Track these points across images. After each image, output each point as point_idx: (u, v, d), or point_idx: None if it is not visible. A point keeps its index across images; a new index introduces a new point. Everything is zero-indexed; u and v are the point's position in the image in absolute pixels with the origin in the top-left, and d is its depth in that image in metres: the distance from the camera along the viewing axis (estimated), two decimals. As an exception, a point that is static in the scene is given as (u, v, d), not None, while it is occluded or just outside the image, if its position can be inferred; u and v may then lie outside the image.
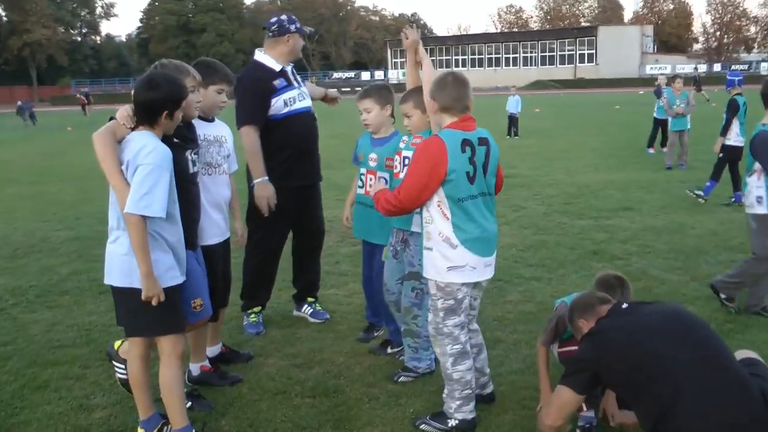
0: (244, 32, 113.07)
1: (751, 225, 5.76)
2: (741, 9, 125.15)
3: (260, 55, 5.67)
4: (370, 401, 4.41)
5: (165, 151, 3.62)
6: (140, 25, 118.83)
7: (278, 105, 5.46)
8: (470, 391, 4.02)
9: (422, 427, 4.03)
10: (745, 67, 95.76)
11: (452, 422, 3.98)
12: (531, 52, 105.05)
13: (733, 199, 10.51)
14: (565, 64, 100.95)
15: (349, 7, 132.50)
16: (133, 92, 3.72)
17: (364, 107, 4.94)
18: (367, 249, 5.22)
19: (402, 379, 4.64)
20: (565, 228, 9.17)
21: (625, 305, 3.59)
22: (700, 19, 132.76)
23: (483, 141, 3.91)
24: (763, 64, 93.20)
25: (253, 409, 4.34)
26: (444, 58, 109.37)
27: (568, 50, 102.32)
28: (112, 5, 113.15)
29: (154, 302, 3.52)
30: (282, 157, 5.47)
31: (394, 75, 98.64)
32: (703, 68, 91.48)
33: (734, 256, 7.44)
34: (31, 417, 4.34)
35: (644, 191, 11.93)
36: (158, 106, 3.66)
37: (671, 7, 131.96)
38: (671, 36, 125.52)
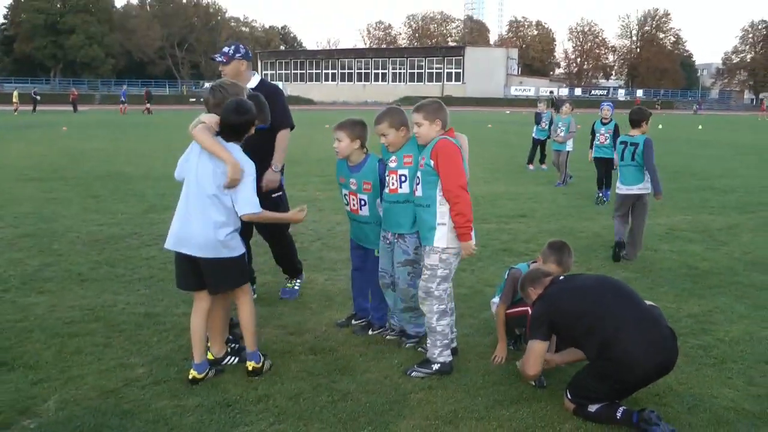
0: (113, 36, 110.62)
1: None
2: (600, 38, 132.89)
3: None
4: (361, 356, 5.60)
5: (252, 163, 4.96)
6: (4, 21, 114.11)
7: None
8: (448, 341, 5.30)
9: (413, 374, 5.22)
10: (604, 92, 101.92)
11: (435, 366, 5.23)
12: (400, 69, 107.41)
13: (601, 196, 13.61)
14: (433, 81, 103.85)
15: (219, 18, 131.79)
16: (222, 114, 4.89)
17: (336, 136, 5.83)
18: (360, 251, 6.19)
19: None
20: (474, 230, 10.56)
21: (561, 277, 5.02)
22: (562, 45, 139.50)
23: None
24: (620, 90, 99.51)
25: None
26: (314, 71, 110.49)
27: (437, 68, 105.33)
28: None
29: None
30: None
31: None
32: (564, 92, 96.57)
33: (618, 254, 9.05)
34: (83, 372, 5.25)
35: (533, 201, 13.61)
36: (247, 128, 4.94)
37: (535, 32, 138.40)
38: (535, 60, 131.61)
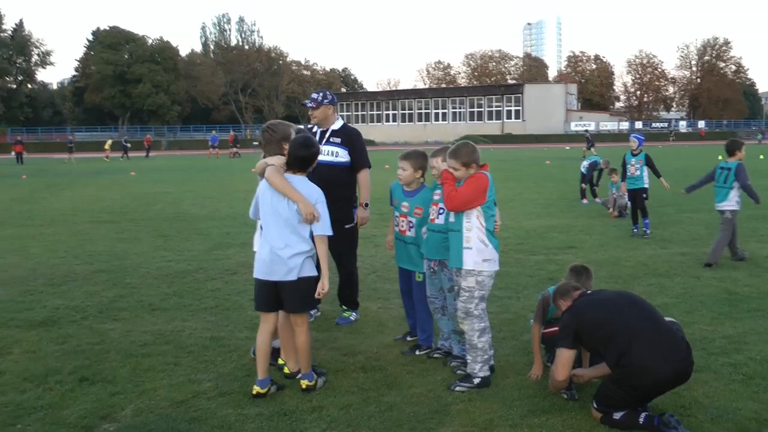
0: (179, 84, 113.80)
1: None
2: (660, 70, 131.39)
3: None
4: (408, 373, 6.08)
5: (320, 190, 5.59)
6: (75, 73, 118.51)
7: None
8: (488, 357, 5.75)
9: (456, 389, 5.66)
10: (665, 124, 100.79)
11: (476, 380, 5.68)
12: (460, 108, 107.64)
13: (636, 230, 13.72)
14: (492, 119, 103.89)
15: (281, 62, 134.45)
16: (289, 149, 5.56)
17: (401, 165, 6.56)
18: (404, 273, 6.84)
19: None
20: (522, 262, 10.98)
21: (589, 291, 5.52)
22: (621, 78, 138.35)
23: None
24: (681, 122, 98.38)
25: (324, 379, 5.94)
26: (375, 112, 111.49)
27: (496, 106, 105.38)
28: (48, 53, 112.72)
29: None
30: None
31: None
32: (625, 125, 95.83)
33: (661, 281, 9.45)
34: (155, 386, 5.84)
35: (583, 233, 13.94)
36: (312, 160, 5.62)
37: (594, 66, 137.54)
38: (594, 94, 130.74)
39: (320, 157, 7.08)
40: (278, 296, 5.62)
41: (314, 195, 5.57)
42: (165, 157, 63.74)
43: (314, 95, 7.60)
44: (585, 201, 19.83)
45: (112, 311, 8.37)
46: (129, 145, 65.58)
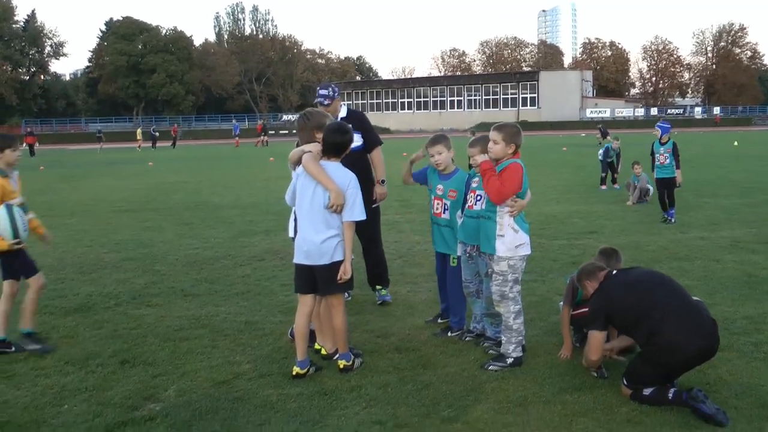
0: (193, 74, 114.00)
1: None
2: (675, 56, 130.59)
3: None
4: (442, 354, 6.23)
5: (354, 176, 5.73)
6: (89, 64, 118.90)
7: None
8: (522, 338, 5.91)
9: (490, 368, 5.81)
10: (681, 111, 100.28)
11: (509, 360, 5.83)
12: (475, 96, 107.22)
13: (668, 217, 13.62)
14: (508, 107, 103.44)
15: (295, 51, 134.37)
16: (324, 136, 5.73)
17: (436, 150, 6.64)
18: (440, 256, 6.97)
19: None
20: (545, 246, 11.10)
21: (614, 271, 5.60)
22: (636, 65, 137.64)
23: None
24: (697, 109, 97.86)
25: (360, 359, 6.10)
26: (390, 100, 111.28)
27: (511, 94, 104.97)
28: (61, 44, 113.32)
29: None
30: None
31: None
32: (640, 112, 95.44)
33: (682, 264, 9.59)
34: (196, 368, 6.01)
35: (604, 219, 14.04)
36: (347, 145, 5.74)
37: (609, 53, 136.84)
38: (609, 81, 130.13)
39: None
40: (314, 279, 5.78)
41: (346, 180, 5.70)
42: (181, 147, 63.97)
43: (324, 91, 7.74)
44: (603, 187, 19.89)
45: (145, 297, 8.54)
46: (158, 134, 66.40)
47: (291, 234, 6.39)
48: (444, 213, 6.67)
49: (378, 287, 8.15)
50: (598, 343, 5.31)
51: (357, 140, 7.64)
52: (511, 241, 5.80)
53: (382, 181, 7.94)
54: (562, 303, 6.38)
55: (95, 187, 24.96)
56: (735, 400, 5.08)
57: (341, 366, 5.82)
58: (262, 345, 6.59)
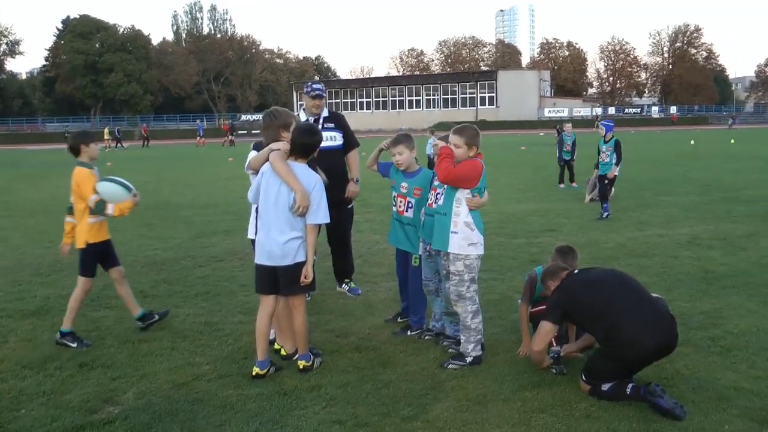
0: (151, 73, 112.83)
1: None
2: (632, 56, 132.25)
3: (301, 111, 8.09)
4: (401, 352, 6.26)
5: (320, 178, 5.70)
6: (45, 63, 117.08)
7: None
8: (480, 336, 5.95)
9: (449, 366, 5.85)
10: (638, 110, 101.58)
11: (469, 359, 5.87)
12: (434, 95, 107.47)
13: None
14: (467, 106, 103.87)
15: (254, 50, 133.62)
16: (293, 136, 5.71)
17: (398, 151, 6.65)
18: (401, 254, 6.99)
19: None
20: (504, 245, 11.20)
21: (576, 270, 5.71)
22: (594, 65, 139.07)
23: None
24: (654, 108, 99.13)
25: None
26: (348, 100, 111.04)
27: (470, 93, 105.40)
28: (17, 42, 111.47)
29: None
30: None
31: (301, 117, 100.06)
32: (598, 111, 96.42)
33: (640, 261, 9.74)
34: (155, 369, 5.97)
35: (562, 217, 14.21)
36: (315, 147, 5.75)
37: (567, 53, 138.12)
38: (567, 81, 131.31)
39: (324, 143, 7.49)
40: (276, 280, 5.76)
41: (312, 182, 5.67)
42: (139, 148, 63.33)
43: (319, 86, 7.98)
44: (561, 185, 20.17)
45: (103, 299, 8.45)
46: (120, 134, 66.34)
47: (251, 235, 6.38)
48: (407, 211, 6.67)
49: (346, 281, 8.32)
50: (545, 333, 5.40)
51: (338, 139, 7.90)
52: (464, 238, 5.84)
53: (356, 180, 8.08)
54: (520, 300, 6.46)
55: (55, 186, 24.53)
56: (692, 394, 5.18)
57: (301, 366, 5.82)
58: (222, 346, 6.57)
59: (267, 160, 5.76)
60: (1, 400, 5.44)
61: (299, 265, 5.68)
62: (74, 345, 6.67)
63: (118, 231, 13.66)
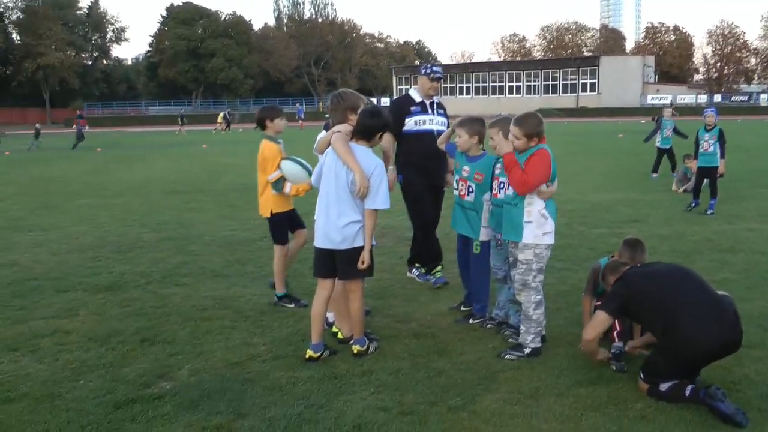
0: (251, 58, 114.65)
1: None
2: (741, 41, 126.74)
3: (411, 90, 8.00)
4: (460, 341, 6.12)
5: (382, 163, 5.64)
6: (149, 49, 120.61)
7: (410, 123, 7.73)
8: (541, 329, 5.77)
9: (506, 357, 5.70)
10: (745, 98, 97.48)
11: (527, 350, 5.70)
12: (534, 81, 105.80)
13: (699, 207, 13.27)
14: (567, 92, 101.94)
15: (354, 35, 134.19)
16: (358, 118, 5.66)
17: (457, 132, 6.54)
18: (461, 240, 6.85)
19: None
20: (584, 234, 10.87)
21: (639, 265, 5.46)
22: (701, 50, 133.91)
23: None
24: (762, 96, 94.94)
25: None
26: (448, 85, 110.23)
27: (571, 79, 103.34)
28: (123, 30, 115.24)
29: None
30: (413, 160, 7.58)
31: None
32: (703, 98, 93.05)
33: (724, 256, 9.24)
34: (212, 348, 6.03)
35: (650, 208, 13.68)
36: (378, 130, 5.64)
37: (672, 38, 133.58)
38: (672, 67, 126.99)
39: (435, 127, 7.75)
40: (334, 263, 5.72)
41: (372, 166, 5.58)
42: (238, 131, 64.65)
43: (439, 69, 7.96)
44: (655, 175, 19.36)
45: (175, 277, 8.62)
46: (231, 118, 68.00)
47: (317, 216, 6.36)
48: (468, 195, 6.51)
49: (435, 270, 8.14)
50: (599, 322, 5.19)
51: (445, 125, 7.89)
52: (538, 227, 5.64)
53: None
54: (584, 292, 6.23)
55: (149, 168, 25.33)
56: (759, 401, 4.85)
57: (355, 351, 5.77)
58: (282, 327, 6.58)
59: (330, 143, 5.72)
60: (64, 370, 5.60)
61: (357, 250, 5.61)
62: (291, 305, 7.19)
63: (201, 211, 14.01)
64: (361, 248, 5.62)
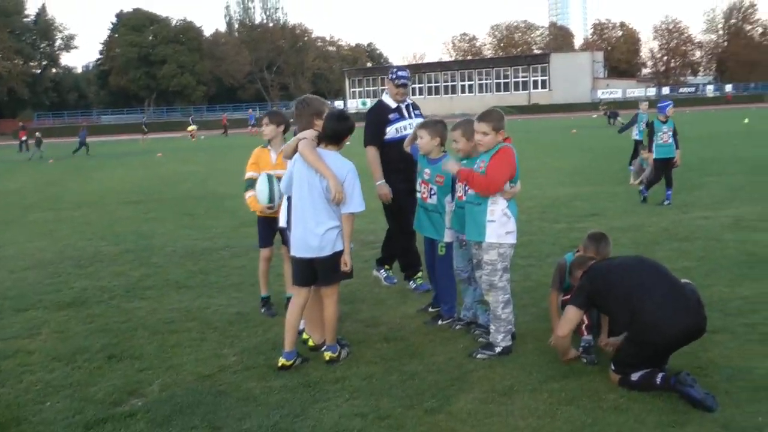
0: (203, 64, 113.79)
1: None
2: (686, 35, 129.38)
3: (384, 96, 7.87)
4: (430, 342, 6.14)
5: (353, 165, 5.60)
6: (100, 56, 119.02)
7: (391, 131, 7.66)
8: (511, 327, 5.81)
9: (478, 356, 5.72)
10: (692, 89, 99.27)
11: (498, 349, 5.73)
12: (486, 80, 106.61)
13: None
14: (519, 90, 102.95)
15: (306, 39, 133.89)
16: (324, 121, 5.65)
17: (419, 134, 6.54)
18: (427, 242, 6.84)
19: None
20: (544, 230, 10.98)
21: (604, 259, 5.58)
22: (647, 45, 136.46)
23: None
24: (708, 87, 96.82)
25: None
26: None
27: (522, 77, 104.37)
28: (72, 37, 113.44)
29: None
30: (397, 167, 7.56)
31: (353, 104, 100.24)
32: (652, 91, 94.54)
33: (682, 245, 9.47)
34: (182, 361, 5.95)
35: (607, 201, 13.88)
36: (346, 133, 5.63)
37: (620, 34, 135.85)
38: (621, 62, 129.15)
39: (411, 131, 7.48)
40: (314, 271, 5.71)
41: (344, 171, 5.56)
42: (218, 137, 64.04)
43: (404, 74, 7.86)
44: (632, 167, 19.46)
45: (138, 290, 8.49)
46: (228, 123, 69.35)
47: (283, 223, 6.33)
48: (431, 197, 6.52)
49: (416, 277, 8.07)
50: (571, 318, 5.25)
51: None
52: (501, 226, 5.68)
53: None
54: (550, 288, 6.28)
55: (106, 179, 25.02)
56: (726, 384, 4.97)
57: (327, 357, 5.74)
58: (251, 337, 6.53)
59: (297, 149, 5.68)
60: (28, 392, 5.46)
61: (338, 255, 5.62)
62: (263, 309, 7.28)
63: (160, 221, 13.85)
64: (341, 252, 5.63)
